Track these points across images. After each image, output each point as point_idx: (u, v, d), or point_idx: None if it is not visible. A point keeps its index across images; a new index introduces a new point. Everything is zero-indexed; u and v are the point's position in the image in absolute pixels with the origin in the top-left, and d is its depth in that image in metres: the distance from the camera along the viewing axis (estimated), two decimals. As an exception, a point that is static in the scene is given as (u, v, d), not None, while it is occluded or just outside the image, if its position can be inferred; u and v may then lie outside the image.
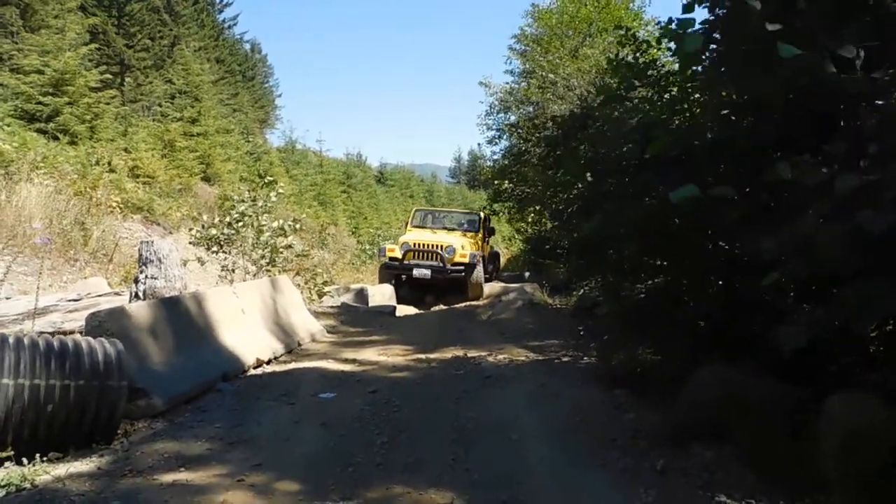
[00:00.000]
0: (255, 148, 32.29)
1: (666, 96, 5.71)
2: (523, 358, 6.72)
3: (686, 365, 4.42)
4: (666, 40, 5.90)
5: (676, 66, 6.26)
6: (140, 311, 5.45)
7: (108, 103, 19.34)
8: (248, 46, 43.02)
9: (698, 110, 4.81)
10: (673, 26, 4.11)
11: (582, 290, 10.35)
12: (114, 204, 13.95)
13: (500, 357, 6.76)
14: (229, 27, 40.51)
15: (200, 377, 5.58)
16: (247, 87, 40.14)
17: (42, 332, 6.88)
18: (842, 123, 3.59)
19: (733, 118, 4.19)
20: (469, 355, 6.89)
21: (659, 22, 6.75)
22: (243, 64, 40.92)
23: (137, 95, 26.12)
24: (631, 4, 16.50)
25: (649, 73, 6.05)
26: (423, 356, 6.99)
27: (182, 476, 3.66)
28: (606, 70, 11.82)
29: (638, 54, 6.75)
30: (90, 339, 4.51)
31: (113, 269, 11.79)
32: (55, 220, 11.64)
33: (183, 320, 5.89)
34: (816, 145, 3.14)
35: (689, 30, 3.94)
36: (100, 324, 5.01)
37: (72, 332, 6.19)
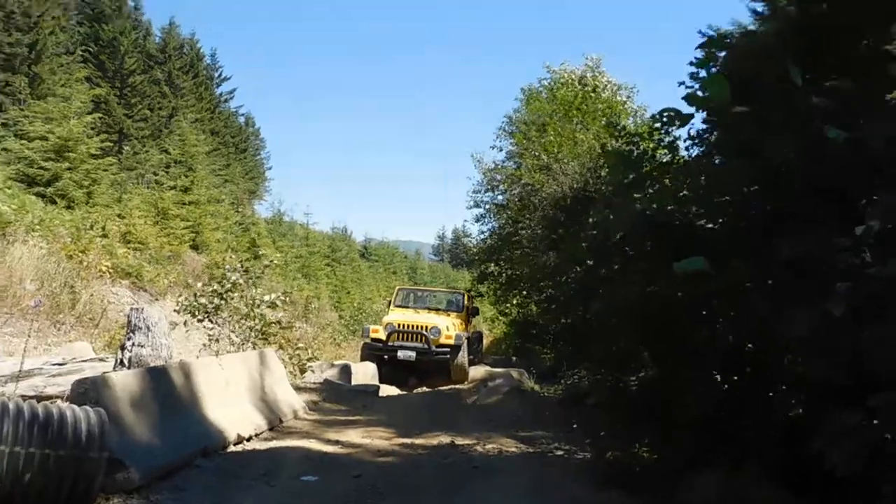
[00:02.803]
0: (243, 218, 32.49)
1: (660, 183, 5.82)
2: (513, 449, 6.59)
3: (684, 465, 4.35)
4: (659, 129, 6.07)
5: (667, 157, 6.45)
6: (126, 379, 5.35)
7: (105, 170, 19.61)
8: (242, 119, 43.82)
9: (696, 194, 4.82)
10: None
11: (571, 380, 10.26)
12: (104, 268, 13.91)
13: (489, 446, 6.62)
14: (226, 101, 41.39)
15: (180, 452, 5.42)
16: (238, 159, 40.62)
17: (25, 397, 6.75)
18: (863, 202, 3.56)
19: (744, 195, 4.14)
20: (456, 442, 6.75)
21: (648, 111, 6.99)
22: (237, 136, 41.57)
23: (134, 163, 26.44)
24: (620, 92, 17.07)
25: (644, 164, 6.19)
26: (408, 441, 6.85)
27: (159, 559, 3.52)
28: (600, 155, 12.13)
29: (631, 146, 6.92)
30: (75, 407, 4.40)
31: (98, 333, 11.65)
32: (45, 282, 11.59)
33: (167, 391, 5.77)
34: (837, 223, 3.12)
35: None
36: (85, 391, 4.90)
37: (54, 398, 6.05)
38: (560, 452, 6.49)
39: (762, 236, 3.68)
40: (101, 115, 23.39)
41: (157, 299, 15.55)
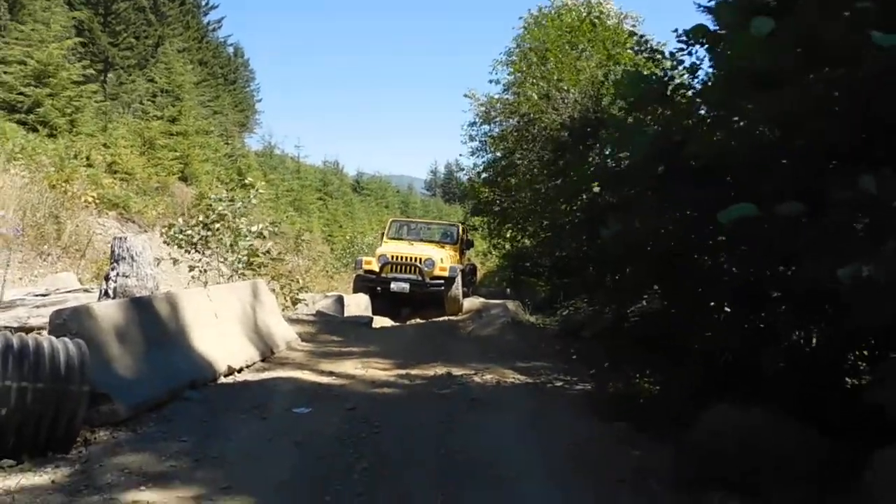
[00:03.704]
0: (233, 151, 31.90)
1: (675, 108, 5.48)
2: (511, 380, 6.43)
3: (692, 399, 4.16)
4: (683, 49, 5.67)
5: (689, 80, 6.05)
6: (107, 310, 5.12)
7: (89, 97, 19.00)
8: (231, 50, 42.54)
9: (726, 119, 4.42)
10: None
11: (566, 311, 10.13)
12: (89, 199, 13.57)
13: (487, 377, 6.45)
14: (214, 30, 40.06)
15: (168, 384, 5.24)
16: (228, 91, 39.56)
17: (9, 328, 6.57)
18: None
19: (787, 126, 3.72)
20: (453, 373, 6.58)
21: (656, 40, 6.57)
22: (226, 67, 40.38)
23: (119, 93, 25.67)
24: (625, 21, 16.41)
25: (667, 86, 5.84)
26: (403, 372, 6.69)
27: (143, 496, 3.33)
28: (602, 84, 11.74)
29: (651, 63, 6.52)
30: (52, 338, 4.18)
31: (85, 264, 11.45)
32: (28, 212, 11.29)
33: (153, 322, 5.56)
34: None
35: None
36: (64, 322, 4.68)
37: (37, 329, 5.85)
38: (559, 383, 6.34)
39: (809, 174, 3.29)
40: (84, 41, 22.58)
41: (145, 231, 15.25)
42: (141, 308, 5.53)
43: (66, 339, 4.19)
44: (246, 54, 44.87)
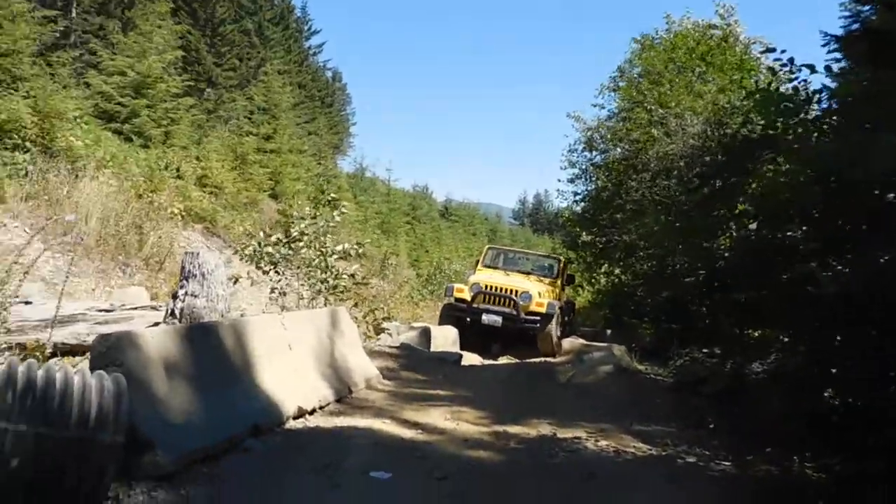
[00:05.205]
0: (325, 171, 31.98)
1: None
2: (632, 449, 5.25)
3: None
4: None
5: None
6: (160, 338, 4.32)
7: (186, 110, 19.06)
8: (329, 74, 43.36)
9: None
10: None
11: (681, 360, 8.87)
12: (176, 210, 13.21)
13: (602, 444, 5.29)
14: (314, 54, 41.03)
15: (226, 429, 4.40)
16: (324, 113, 40.24)
17: (65, 345, 5.97)
18: None
19: None
20: (560, 436, 5.46)
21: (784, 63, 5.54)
22: (323, 90, 41.22)
23: (217, 108, 26.03)
24: (753, 47, 15.08)
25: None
26: (500, 428, 5.62)
27: None
28: (725, 108, 10.55)
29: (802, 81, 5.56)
30: (86, 371, 3.39)
31: (164, 277, 10.96)
32: (112, 221, 10.95)
33: (214, 354, 4.75)
34: None
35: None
36: (106, 351, 3.90)
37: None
38: (692, 458, 5.13)
39: None
40: (189, 61, 23.02)
41: (230, 246, 14.84)
42: (201, 336, 4.74)
43: (103, 374, 3.38)
44: (344, 79, 45.68)
